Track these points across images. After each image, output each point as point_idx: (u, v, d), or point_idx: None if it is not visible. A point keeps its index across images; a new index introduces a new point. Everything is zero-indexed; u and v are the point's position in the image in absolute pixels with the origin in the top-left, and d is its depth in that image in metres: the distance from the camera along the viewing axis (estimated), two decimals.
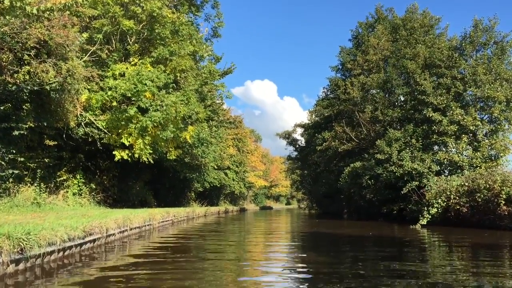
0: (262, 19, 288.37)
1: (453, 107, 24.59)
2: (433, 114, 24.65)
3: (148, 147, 21.44)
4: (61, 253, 9.02)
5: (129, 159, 21.97)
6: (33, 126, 16.63)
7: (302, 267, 8.42)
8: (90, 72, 18.47)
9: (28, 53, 15.90)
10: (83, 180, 23.52)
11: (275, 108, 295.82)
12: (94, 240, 11.34)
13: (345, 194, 33.10)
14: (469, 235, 16.29)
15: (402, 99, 29.26)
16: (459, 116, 24.17)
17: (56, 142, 19.25)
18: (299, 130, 52.34)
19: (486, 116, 24.73)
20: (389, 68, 29.04)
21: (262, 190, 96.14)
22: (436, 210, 21.27)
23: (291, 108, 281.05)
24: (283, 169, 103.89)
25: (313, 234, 17.80)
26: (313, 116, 50.34)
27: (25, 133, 16.04)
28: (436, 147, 25.63)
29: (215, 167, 40.15)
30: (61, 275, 7.13)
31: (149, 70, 21.83)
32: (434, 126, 24.61)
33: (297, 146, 55.12)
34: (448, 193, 20.89)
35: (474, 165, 23.61)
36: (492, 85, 24.12)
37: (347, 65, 32.57)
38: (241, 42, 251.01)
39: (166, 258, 9.68)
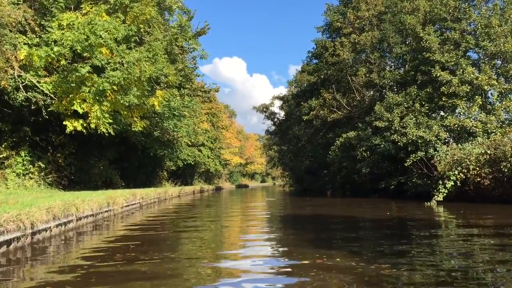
0: None
1: (464, 65, 21.35)
2: (441, 73, 21.33)
3: (106, 115, 18.78)
4: None
5: (84, 130, 18.98)
6: None
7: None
8: (23, 14, 13.96)
9: None
10: (29, 158, 19.69)
11: (244, 86, 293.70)
12: (8, 242, 7.23)
13: (333, 169, 31.03)
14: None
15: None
16: (471, 75, 20.90)
17: None
18: (277, 103, 52.49)
19: (501, 74, 21.50)
20: (384, 25, 25.91)
21: (238, 167, 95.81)
22: (453, 184, 18.11)
23: (261, 85, 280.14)
24: (258, 146, 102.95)
25: (318, 218, 14.90)
26: (293, 87, 48.93)
27: None
28: (442, 112, 23.19)
29: (189, 143, 38.69)
30: None
31: (105, 20, 17.74)
32: (443, 88, 21.44)
33: (276, 120, 55.00)
34: (468, 163, 17.66)
35: (489, 131, 20.49)
36: (508, 39, 20.80)
37: (336, 24, 29.77)
38: (207, 16, 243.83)
39: (121, 265, 5.89)
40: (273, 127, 56.32)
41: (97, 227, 11.70)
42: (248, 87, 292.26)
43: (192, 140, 40.61)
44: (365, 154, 25.21)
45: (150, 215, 16.21)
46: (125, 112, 20.28)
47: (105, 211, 14.58)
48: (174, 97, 25.74)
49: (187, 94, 29.32)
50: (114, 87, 18.06)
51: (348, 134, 26.64)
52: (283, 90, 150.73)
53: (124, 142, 28.08)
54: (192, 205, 23.02)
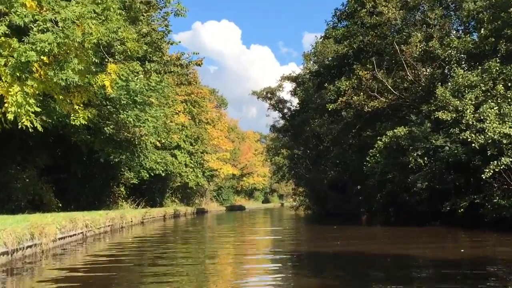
0: None
1: None
2: None
3: (32, 101, 18.76)
4: None
5: None
6: None
7: None
8: None
9: None
10: None
11: (239, 63, 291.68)
12: None
13: (372, 184, 30.88)
14: None
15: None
16: None
17: None
18: (288, 86, 53.36)
19: None
20: None
21: (229, 181, 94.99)
22: None
23: (263, 61, 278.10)
24: (260, 150, 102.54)
25: None
26: (311, 63, 48.98)
27: None
28: None
29: (158, 144, 38.94)
30: None
31: None
32: None
33: (286, 111, 55.08)
34: None
35: None
36: None
37: None
38: None
39: None
40: (282, 122, 56.22)
41: (12, 272, 11.91)
42: (243, 64, 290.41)
43: (163, 140, 40.52)
44: (421, 161, 24.89)
45: (98, 253, 16.54)
46: (61, 97, 20.17)
47: (28, 247, 14.78)
48: (135, 75, 25.55)
49: (154, 70, 29.20)
50: (44, 58, 18.05)
51: (395, 131, 26.28)
52: (295, 68, 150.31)
53: (61, 142, 28.07)
54: (161, 239, 23.45)
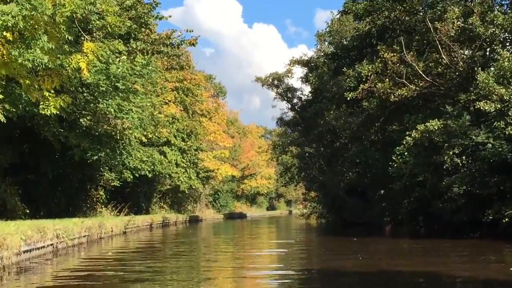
0: None
1: None
2: None
3: None
4: None
5: None
6: None
7: None
8: None
9: None
10: None
11: (239, 45, 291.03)
12: None
13: (398, 187, 30.97)
14: None
15: None
16: None
17: None
18: (298, 72, 53.63)
19: None
20: None
21: (228, 184, 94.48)
22: None
23: (268, 43, 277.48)
24: (264, 147, 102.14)
25: None
26: (325, 44, 48.96)
27: None
28: None
29: (144, 139, 39.02)
30: None
31: None
32: None
33: (296, 101, 55.26)
34: None
35: None
36: None
37: None
38: None
39: None
40: (291, 114, 56.31)
41: None
42: (245, 46, 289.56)
43: (150, 135, 40.55)
44: (459, 161, 24.94)
45: (70, 269, 16.54)
46: (27, 82, 20.03)
47: None
48: (117, 57, 25.29)
49: (140, 50, 29.14)
50: (7, 34, 18.09)
51: (427, 124, 26.18)
52: (306, 51, 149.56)
53: (29, 136, 28.13)
54: (147, 253, 23.23)
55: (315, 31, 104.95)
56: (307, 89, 52.73)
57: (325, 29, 48.91)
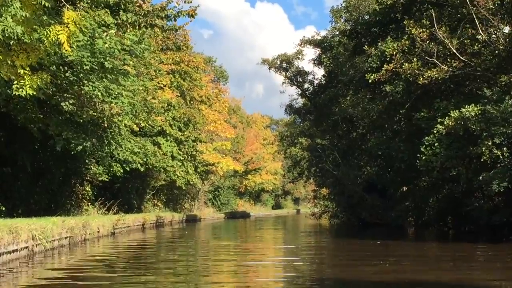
0: None
1: None
2: None
3: None
4: None
5: None
6: None
7: None
8: None
9: None
10: None
11: (240, 26, 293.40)
12: None
13: (426, 184, 32.28)
14: None
15: None
16: None
17: None
18: (310, 53, 53.53)
19: None
20: None
21: (230, 180, 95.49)
22: None
23: (272, 25, 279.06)
24: (270, 139, 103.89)
25: None
26: (341, 21, 49.19)
27: None
28: None
29: (135, 128, 39.32)
30: None
31: None
32: None
33: (306, 86, 56.30)
34: None
35: None
36: None
37: None
38: None
39: None
40: (301, 101, 57.50)
41: None
42: (247, 27, 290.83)
43: (142, 123, 40.62)
44: (499, 153, 25.01)
45: (49, 277, 16.52)
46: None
47: None
48: (103, 30, 24.75)
49: (131, 23, 28.15)
50: None
51: (462, 110, 26.10)
52: (314, 33, 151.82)
53: (4, 124, 28.38)
54: (137, 258, 23.61)
55: (325, 10, 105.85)
56: (319, 73, 54.66)
57: (341, 4, 49.66)
